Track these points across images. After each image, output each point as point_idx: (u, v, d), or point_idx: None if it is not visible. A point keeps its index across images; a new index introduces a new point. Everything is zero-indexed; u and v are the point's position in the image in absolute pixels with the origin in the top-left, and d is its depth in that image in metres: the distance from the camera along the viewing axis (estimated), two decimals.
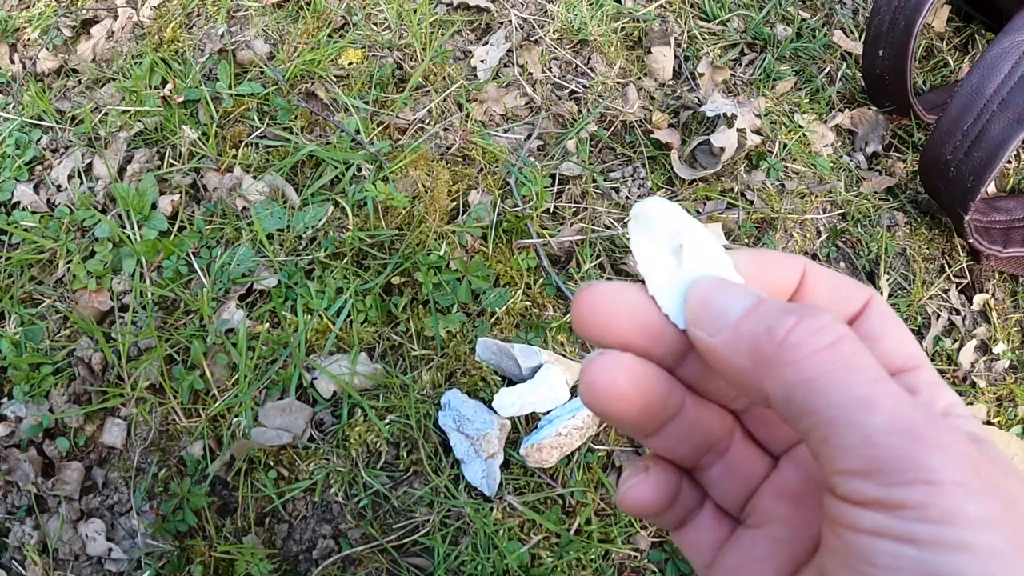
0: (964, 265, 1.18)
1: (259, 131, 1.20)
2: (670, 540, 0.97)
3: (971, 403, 1.11)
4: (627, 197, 1.16)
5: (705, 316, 0.28)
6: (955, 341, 1.14)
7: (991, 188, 1.26)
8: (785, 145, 1.21)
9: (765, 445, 0.34)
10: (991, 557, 0.22)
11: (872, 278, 1.15)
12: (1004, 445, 1.08)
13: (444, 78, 1.25)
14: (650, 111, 1.23)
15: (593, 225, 1.12)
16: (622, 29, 1.31)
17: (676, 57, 1.28)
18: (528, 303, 1.06)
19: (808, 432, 0.25)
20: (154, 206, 1.16)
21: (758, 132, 1.20)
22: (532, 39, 1.29)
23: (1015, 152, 1.26)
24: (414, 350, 1.04)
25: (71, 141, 1.25)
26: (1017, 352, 1.16)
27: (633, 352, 0.30)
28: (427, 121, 1.21)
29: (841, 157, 1.23)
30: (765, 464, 0.34)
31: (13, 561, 1.01)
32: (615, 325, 0.30)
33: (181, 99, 1.23)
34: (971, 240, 1.13)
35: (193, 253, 1.12)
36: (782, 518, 0.32)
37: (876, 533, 0.23)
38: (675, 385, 0.31)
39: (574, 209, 1.14)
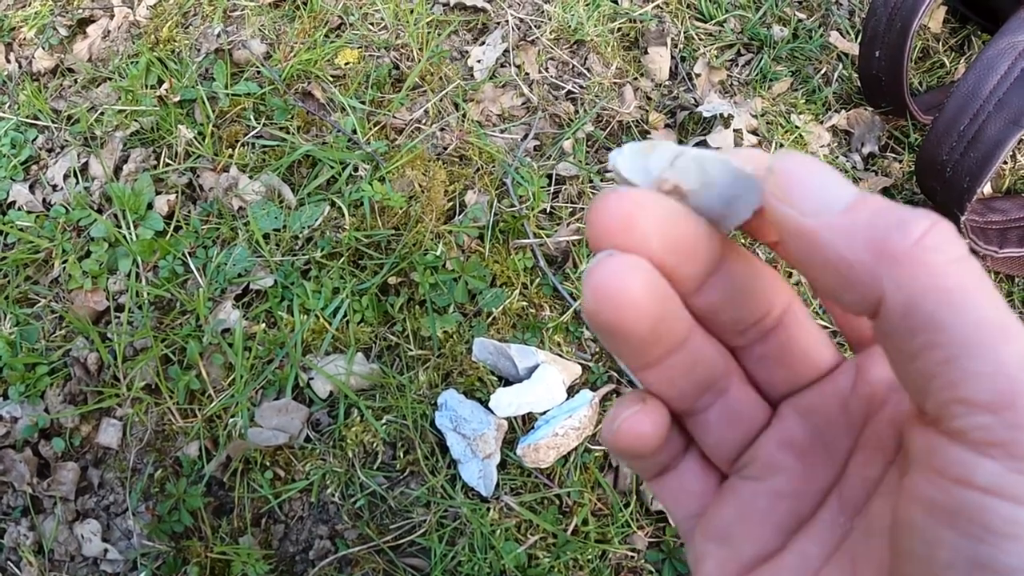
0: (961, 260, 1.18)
1: (255, 131, 1.20)
2: (667, 540, 0.97)
3: None
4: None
5: (801, 192, 0.23)
6: None
7: (987, 189, 1.26)
8: (781, 145, 1.21)
9: (764, 390, 0.31)
10: None
11: None
12: None
13: (441, 78, 1.25)
14: (647, 111, 1.23)
15: None
16: (619, 29, 1.31)
17: (673, 57, 1.28)
18: (525, 303, 1.06)
19: (923, 350, 0.21)
20: (150, 206, 1.16)
21: (754, 133, 1.20)
22: (529, 39, 1.29)
23: (1011, 153, 1.26)
24: (411, 350, 1.04)
25: (67, 141, 1.25)
26: None
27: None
28: (424, 121, 1.21)
29: (837, 158, 1.23)
30: (764, 411, 0.31)
31: (8, 562, 1.01)
32: (643, 232, 0.25)
33: (177, 99, 1.23)
34: (967, 241, 1.13)
35: (189, 253, 1.12)
36: (787, 471, 0.29)
37: (996, 492, 0.19)
38: (685, 309, 0.28)
39: (571, 209, 1.14)
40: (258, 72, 1.26)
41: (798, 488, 0.29)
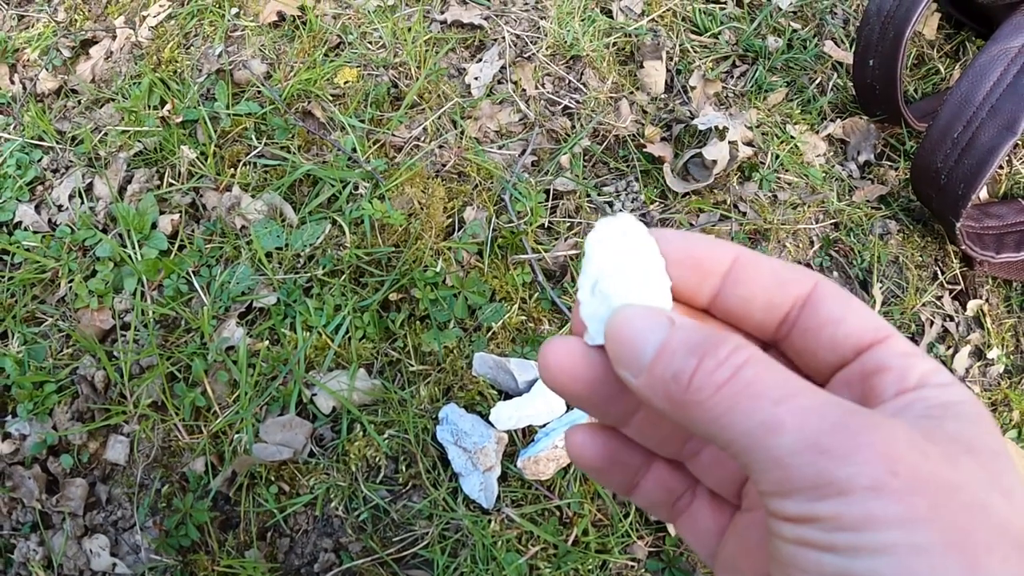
0: (957, 272, 1.19)
1: (257, 150, 1.22)
2: (667, 550, 0.98)
3: None
4: (621, 211, 1.17)
5: (624, 355, 0.29)
6: (949, 348, 1.15)
7: (983, 194, 1.27)
8: (777, 156, 1.22)
9: None
10: (915, 555, 0.22)
11: (865, 286, 1.16)
12: None
13: (439, 96, 1.26)
14: (643, 125, 1.24)
15: None
16: (614, 44, 1.32)
17: (668, 71, 1.30)
18: (524, 318, 1.08)
19: (736, 459, 0.26)
20: (154, 225, 1.17)
21: (750, 144, 1.21)
22: (525, 56, 1.30)
23: (1007, 158, 1.27)
24: (412, 365, 1.05)
25: (71, 161, 1.27)
26: (1011, 357, 1.17)
27: (594, 404, 0.32)
28: (422, 139, 1.23)
29: (833, 167, 1.24)
30: None
31: None
32: (568, 383, 0.31)
33: (180, 119, 1.25)
34: (964, 247, 1.14)
35: (193, 272, 1.13)
36: None
37: (801, 543, 0.24)
38: None
39: (568, 224, 1.15)
40: (259, 92, 1.27)
41: None
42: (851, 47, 1.33)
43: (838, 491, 0.23)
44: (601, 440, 0.34)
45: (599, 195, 1.18)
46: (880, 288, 1.16)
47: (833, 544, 0.23)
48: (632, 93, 1.28)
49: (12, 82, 1.40)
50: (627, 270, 0.31)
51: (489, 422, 1.00)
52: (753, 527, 0.32)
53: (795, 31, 1.37)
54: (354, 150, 1.19)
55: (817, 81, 1.32)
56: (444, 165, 1.20)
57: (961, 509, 0.23)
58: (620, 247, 0.31)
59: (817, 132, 1.26)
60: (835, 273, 1.17)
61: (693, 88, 1.27)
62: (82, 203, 1.22)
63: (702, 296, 0.32)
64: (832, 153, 1.26)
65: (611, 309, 0.30)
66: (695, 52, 1.33)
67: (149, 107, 1.29)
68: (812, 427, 0.24)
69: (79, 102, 1.35)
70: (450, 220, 1.15)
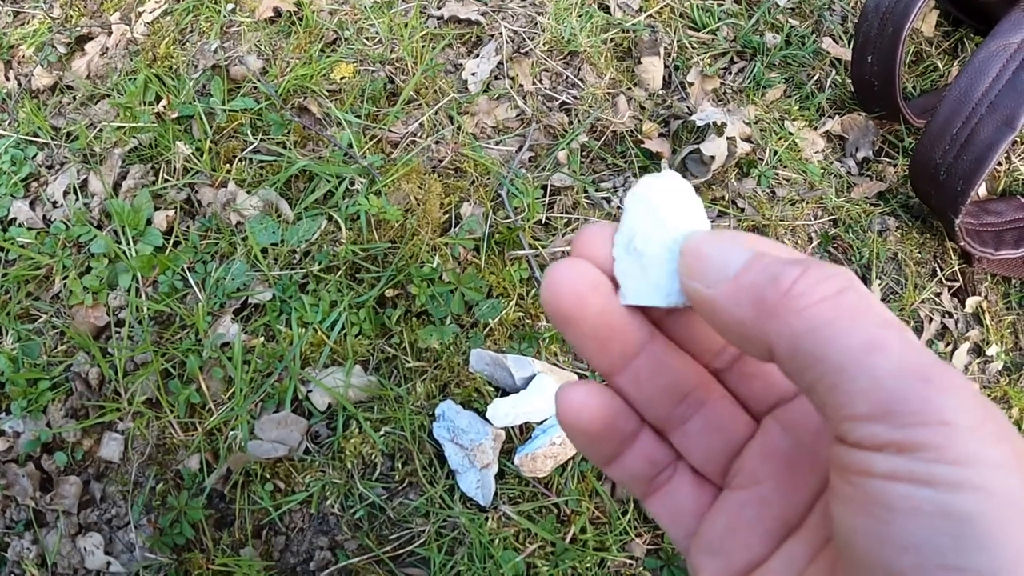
0: (956, 268, 1.18)
1: (253, 146, 1.21)
2: (665, 548, 0.98)
3: None
4: (618, 207, 1.16)
5: (701, 268, 0.28)
6: (948, 344, 1.15)
7: (982, 191, 1.26)
8: (775, 152, 1.22)
9: (747, 405, 0.33)
10: (1010, 500, 0.22)
11: (864, 283, 1.16)
12: None
13: (435, 91, 1.26)
14: (640, 121, 1.24)
15: None
16: (612, 40, 1.32)
17: (666, 67, 1.29)
18: (521, 314, 1.07)
19: (814, 383, 0.24)
20: (149, 222, 1.17)
21: (748, 140, 1.20)
22: (522, 51, 1.30)
23: (1005, 155, 1.27)
24: (408, 362, 1.05)
25: (66, 157, 1.26)
26: (1011, 354, 1.17)
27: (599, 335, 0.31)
28: (419, 134, 1.22)
29: (832, 163, 1.24)
30: (748, 425, 0.33)
31: (12, 575, 1.02)
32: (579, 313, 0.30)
33: (175, 115, 1.24)
34: (962, 243, 1.13)
35: (188, 268, 1.13)
36: (771, 479, 0.31)
37: (892, 477, 0.23)
38: (642, 321, 0.32)
39: (566, 220, 1.15)
40: (255, 88, 1.27)
41: (784, 497, 0.30)
42: (849, 43, 1.33)
43: (941, 421, 0.22)
44: (600, 400, 0.32)
45: (597, 191, 1.17)
46: (879, 284, 1.15)
47: (932, 477, 0.22)
48: (630, 89, 1.27)
49: (7, 78, 1.39)
50: (667, 227, 0.30)
51: (486, 419, 0.99)
52: (749, 505, 0.31)
53: (793, 27, 1.36)
54: (350, 146, 1.19)
55: (815, 77, 1.31)
56: (441, 161, 1.19)
57: None
58: (660, 202, 0.30)
59: (815, 128, 1.26)
60: None
61: (691, 84, 1.27)
62: (77, 199, 1.22)
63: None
64: (830, 149, 1.26)
65: (644, 268, 0.30)
66: (693, 48, 1.32)
67: (144, 103, 1.28)
68: (915, 355, 0.23)
69: (74, 98, 1.34)
70: (447, 216, 1.15)
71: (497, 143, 1.22)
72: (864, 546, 0.23)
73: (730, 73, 1.31)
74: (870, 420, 0.23)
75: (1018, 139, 1.27)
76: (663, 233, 0.30)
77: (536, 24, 1.33)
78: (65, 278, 1.14)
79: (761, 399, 0.33)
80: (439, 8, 1.35)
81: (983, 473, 0.22)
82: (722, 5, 1.38)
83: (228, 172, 1.20)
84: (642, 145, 1.20)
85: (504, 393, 1.03)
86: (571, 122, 1.24)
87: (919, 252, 1.18)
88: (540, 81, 1.28)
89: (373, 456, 1.01)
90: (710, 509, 0.33)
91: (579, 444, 0.33)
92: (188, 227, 1.18)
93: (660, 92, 1.28)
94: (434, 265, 1.08)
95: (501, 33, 1.31)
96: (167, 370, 1.07)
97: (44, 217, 1.22)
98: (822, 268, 0.25)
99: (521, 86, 1.26)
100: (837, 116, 1.27)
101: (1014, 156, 1.27)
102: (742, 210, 1.17)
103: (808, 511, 0.30)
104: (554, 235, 1.13)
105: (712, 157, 1.15)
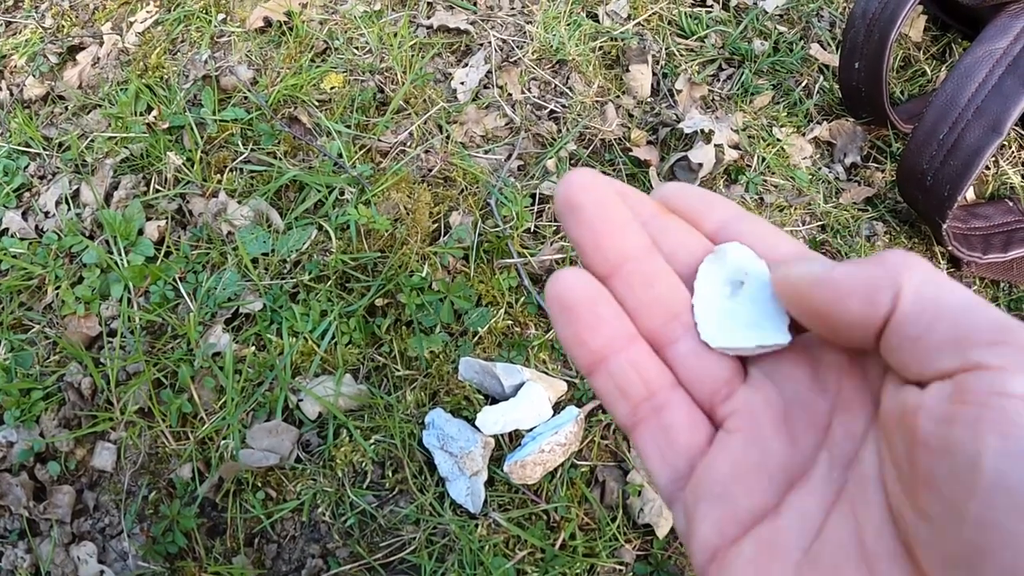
0: (945, 273, 1.19)
1: (243, 156, 1.22)
2: (655, 553, 0.98)
3: None
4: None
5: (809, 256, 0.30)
6: None
7: (970, 195, 1.27)
8: (763, 159, 1.22)
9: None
10: None
11: None
12: None
13: (425, 101, 1.27)
14: (629, 129, 1.24)
15: None
16: (600, 48, 1.32)
17: (654, 74, 1.30)
18: (510, 322, 1.08)
19: (933, 323, 0.25)
20: (140, 232, 1.17)
21: (736, 147, 1.21)
22: (511, 60, 1.31)
23: (993, 159, 1.27)
24: (398, 371, 1.06)
25: (58, 168, 1.27)
26: None
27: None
28: (408, 144, 1.23)
29: (820, 169, 1.25)
30: (736, 362, 0.32)
31: None
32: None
33: (166, 125, 1.25)
34: (951, 248, 1.14)
35: (179, 278, 1.13)
36: (770, 425, 0.30)
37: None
38: (642, 231, 0.33)
39: (554, 228, 1.15)
40: (245, 98, 1.27)
41: (785, 446, 0.30)
42: (837, 50, 1.33)
43: None
44: (588, 280, 0.31)
45: None
46: None
47: None
48: (618, 97, 1.28)
49: None
50: (755, 284, 0.32)
51: (475, 427, 1.00)
52: (754, 447, 0.30)
53: (781, 34, 1.37)
54: (340, 155, 1.19)
55: (803, 84, 1.32)
56: (430, 170, 1.20)
57: None
58: (743, 263, 0.33)
59: (803, 135, 1.27)
60: None
61: (679, 91, 1.28)
62: (69, 209, 1.22)
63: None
64: (818, 155, 1.26)
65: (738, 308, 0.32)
66: (681, 55, 1.33)
67: (136, 113, 1.29)
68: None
69: (66, 108, 1.35)
70: (436, 225, 1.15)
71: (486, 152, 1.23)
72: (996, 467, 0.23)
73: (718, 80, 1.32)
74: (988, 344, 0.24)
75: (1005, 143, 1.28)
76: (751, 289, 0.32)
77: (525, 33, 1.34)
78: (57, 288, 1.14)
79: None
80: (428, 18, 1.36)
81: None
82: (710, 12, 1.39)
83: (219, 182, 1.20)
84: (630, 153, 1.21)
85: (493, 401, 1.04)
86: (560, 130, 1.25)
87: None
88: (529, 90, 1.29)
89: (363, 464, 1.01)
90: (710, 453, 0.31)
91: (564, 333, 0.32)
92: (179, 237, 1.18)
93: (648, 100, 1.29)
94: (423, 274, 1.08)
95: (490, 42, 1.32)
96: (159, 380, 1.08)
97: (36, 227, 1.23)
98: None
99: (510, 95, 1.27)
100: (825, 122, 1.28)
101: (1002, 160, 1.28)
102: None
103: (810, 464, 0.29)
104: (543, 243, 1.14)
105: (700, 164, 1.16)
